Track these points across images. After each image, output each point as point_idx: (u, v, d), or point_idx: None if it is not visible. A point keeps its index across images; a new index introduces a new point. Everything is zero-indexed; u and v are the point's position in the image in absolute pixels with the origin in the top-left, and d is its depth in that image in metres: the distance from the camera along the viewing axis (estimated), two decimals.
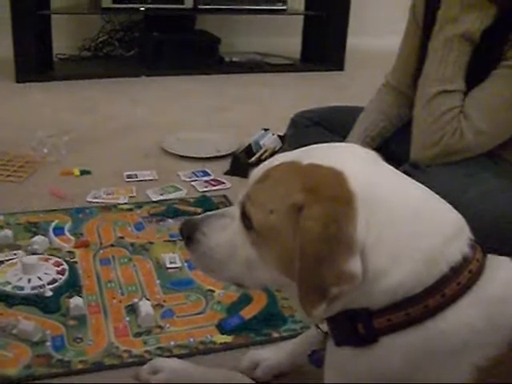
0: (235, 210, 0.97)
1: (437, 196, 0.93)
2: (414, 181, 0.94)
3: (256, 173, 0.96)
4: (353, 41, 4.40)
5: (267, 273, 0.92)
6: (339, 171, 0.87)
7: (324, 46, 4.37)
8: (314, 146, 0.97)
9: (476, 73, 1.54)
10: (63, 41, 4.20)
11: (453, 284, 0.85)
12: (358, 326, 0.88)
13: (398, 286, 0.85)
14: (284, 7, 4.29)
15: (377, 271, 0.85)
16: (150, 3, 3.94)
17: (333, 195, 0.84)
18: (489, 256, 0.92)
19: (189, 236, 0.99)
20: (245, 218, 0.92)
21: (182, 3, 4.01)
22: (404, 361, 0.87)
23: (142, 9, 3.96)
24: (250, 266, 0.94)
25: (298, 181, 0.87)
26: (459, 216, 0.92)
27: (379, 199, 0.86)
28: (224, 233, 0.97)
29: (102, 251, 1.73)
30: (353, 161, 0.91)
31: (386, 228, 0.85)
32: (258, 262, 0.92)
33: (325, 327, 0.99)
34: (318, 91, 3.73)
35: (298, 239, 0.84)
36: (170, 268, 1.65)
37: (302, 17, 4.50)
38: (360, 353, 0.90)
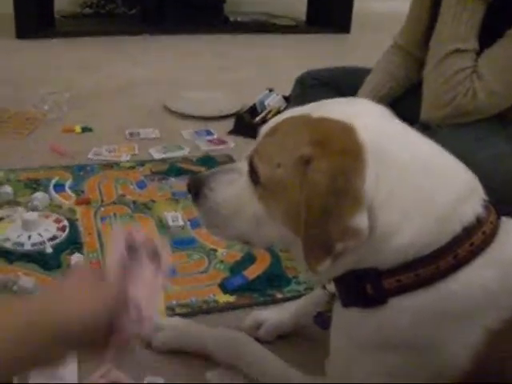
0: (243, 165, 0.94)
1: (449, 154, 0.90)
2: (426, 138, 0.90)
3: (265, 128, 0.94)
4: (359, 3, 4.33)
5: (274, 229, 0.90)
6: (349, 124, 0.84)
7: (330, 7, 4.31)
8: (325, 100, 0.94)
9: (490, 33, 1.50)
10: None
11: (466, 245, 0.83)
12: (367, 287, 0.86)
13: (408, 245, 0.82)
14: None
15: (387, 229, 0.82)
16: None
17: (341, 148, 0.82)
18: (503, 219, 0.90)
19: (196, 192, 0.97)
20: (252, 172, 0.90)
21: None
22: (413, 322, 0.84)
23: None
24: (256, 221, 0.92)
25: (307, 134, 0.85)
26: (472, 175, 0.89)
27: (390, 154, 0.83)
28: (231, 188, 0.95)
29: (103, 209, 1.71)
30: (364, 114, 0.88)
31: (397, 184, 0.82)
32: (265, 218, 0.90)
33: (332, 288, 0.97)
34: (323, 53, 3.67)
35: (305, 192, 0.82)
36: (173, 226, 1.63)
37: None
38: (368, 314, 0.88)
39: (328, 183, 0.80)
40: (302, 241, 0.83)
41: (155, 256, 0.91)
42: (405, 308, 0.84)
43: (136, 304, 0.82)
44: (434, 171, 0.85)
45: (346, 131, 0.83)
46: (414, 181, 0.83)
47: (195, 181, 0.99)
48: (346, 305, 0.91)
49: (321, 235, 0.81)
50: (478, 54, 1.51)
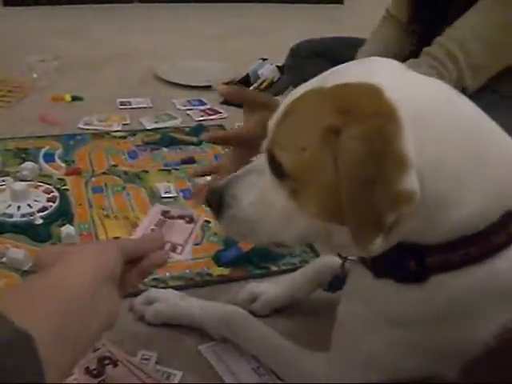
0: (261, 162, 0.86)
1: (490, 119, 0.81)
2: (462, 96, 0.81)
3: (276, 114, 0.84)
4: None
5: (309, 223, 0.81)
6: (372, 85, 0.74)
7: None
8: (333, 68, 0.84)
9: None
10: None
11: None
12: (410, 263, 0.80)
13: (464, 219, 0.76)
14: None
15: (439, 199, 0.75)
16: None
17: (372, 111, 0.72)
18: None
19: (218, 203, 0.89)
20: (274, 166, 0.82)
21: None
22: (451, 299, 0.79)
23: None
24: (288, 220, 0.83)
25: (327, 105, 0.75)
26: None
27: (428, 113, 0.75)
28: (254, 190, 0.86)
29: (94, 179, 1.68)
30: (384, 72, 0.79)
31: (444, 146, 0.74)
32: (298, 214, 0.81)
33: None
34: (317, 24, 3.61)
35: (342, 167, 0.72)
36: (165, 198, 1.60)
37: None
38: (404, 288, 0.82)
39: (366, 149, 0.71)
40: (348, 222, 0.74)
41: (190, 221, 1.02)
42: (446, 286, 0.79)
43: (171, 244, 0.96)
44: (484, 135, 0.78)
45: (371, 92, 0.74)
46: (462, 144, 0.75)
47: (213, 192, 0.90)
48: (379, 275, 0.85)
49: (368, 209, 0.72)
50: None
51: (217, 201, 0.89)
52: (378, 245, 0.73)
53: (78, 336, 0.70)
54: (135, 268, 0.85)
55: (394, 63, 0.84)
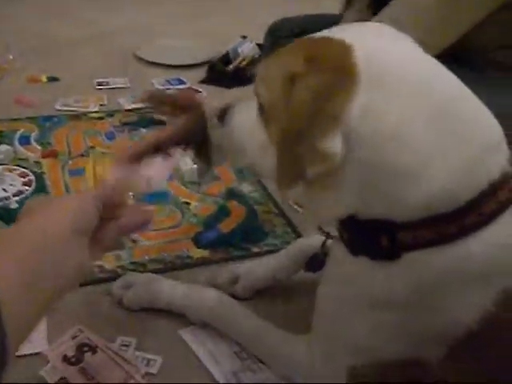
0: None
1: (474, 96, 0.80)
2: (451, 73, 0.81)
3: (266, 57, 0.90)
4: None
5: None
6: (348, 43, 0.77)
7: None
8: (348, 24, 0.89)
9: None
10: None
11: (491, 201, 0.76)
12: (382, 239, 0.80)
13: (430, 197, 0.75)
14: None
15: (400, 172, 0.75)
16: None
17: (332, 66, 0.76)
18: None
19: (220, 115, 0.97)
20: (258, 100, 0.87)
21: None
22: (425, 279, 0.79)
23: None
24: (264, 150, 0.87)
25: (299, 54, 0.79)
26: (498, 124, 0.81)
27: (396, 82, 0.76)
28: (247, 115, 0.91)
29: (71, 161, 1.64)
30: (372, 36, 0.81)
31: (406, 118, 0.74)
32: (268, 146, 0.85)
33: (330, 230, 0.96)
34: (296, 2, 3.58)
35: (286, 111, 0.78)
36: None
37: None
38: (378, 265, 0.82)
39: (309, 102, 0.75)
40: (276, 165, 0.80)
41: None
42: (419, 264, 0.79)
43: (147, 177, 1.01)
44: (460, 112, 0.77)
45: (343, 50, 0.77)
46: (431, 118, 0.75)
47: (223, 109, 0.98)
48: (355, 253, 0.86)
49: (294, 158, 0.78)
50: None
51: (221, 113, 0.97)
52: (296, 192, 0.81)
53: (45, 288, 0.69)
54: (114, 223, 0.83)
55: (397, 34, 0.84)
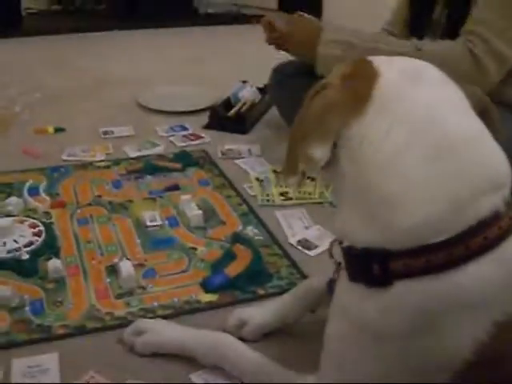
0: None
1: (491, 140, 0.85)
2: (475, 117, 0.87)
3: None
4: None
5: None
6: (378, 71, 0.87)
7: None
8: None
9: None
10: None
11: (479, 237, 0.80)
12: (374, 267, 0.84)
13: (416, 228, 0.80)
14: None
15: (390, 198, 0.81)
16: None
17: (353, 85, 0.86)
18: None
19: None
20: None
21: None
22: (416, 310, 0.82)
23: None
24: None
25: (347, 68, 0.91)
26: (505, 169, 0.85)
27: (405, 116, 0.83)
28: None
29: (79, 211, 1.68)
30: (407, 72, 0.88)
31: (405, 152, 0.81)
32: None
33: (339, 258, 0.98)
34: None
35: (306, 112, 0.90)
36: (151, 226, 1.60)
37: None
38: (372, 293, 0.86)
39: (317, 109, 0.87)
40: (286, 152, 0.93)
41: None
42: (410, 293, 0.82)
43: None
44: (461, 154, 0.81)
45: (370, 74, 0.87)
46: (432, 157, 0.80)
47: None
48: (352, 279, 0.90)
49: (294, 153, 0.90)
50: None
51: None
52: (295, 181, 0.91)
53: None
54: None
55: (435, 71, 0.90)
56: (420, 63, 0.92)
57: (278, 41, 1.89)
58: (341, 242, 0.93)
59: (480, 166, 0.82)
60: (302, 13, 1.93)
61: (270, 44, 1.92)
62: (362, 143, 0.84)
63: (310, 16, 1.92)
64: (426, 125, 0.82)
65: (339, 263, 0.99)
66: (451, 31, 1.68)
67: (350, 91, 0.86)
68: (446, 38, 1.71)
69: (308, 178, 1.66)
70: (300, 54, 1.87)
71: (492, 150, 0.85)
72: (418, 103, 0.84)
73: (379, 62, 0.90)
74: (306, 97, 0.92)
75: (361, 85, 0.86)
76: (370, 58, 0.92)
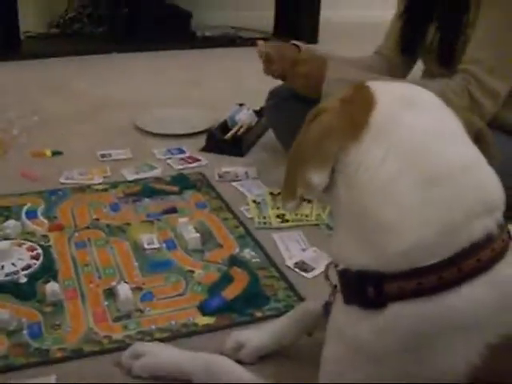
0: None
1: (485, 166, 0.87)
2: (470, 143, 0.88)
3: None
4: (326, 13, 4.35)
5: None
6: (376, 97, 0.89)
7: (297, 18, 4.31)
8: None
9: None
10: (30, 18, 4.08)
11: (471, 260, 0.82)
12: (368, 289, 0.86)
13: (409, 251, 0.82)
14: None
15: (385, 225, 0.83)
16: None
17: (350, 110, 0.88)
18: None
19: None
20: None
21: None
22: (410, 332, 0.84)
23: None
24: None
25: (346, 92, 0.93)
26: (498, 193, 0.87)
27: (401, 144, 0.85)
28: None
29: (77, 234, 1.69)
30: (406, 98, 0.90)
31: (400, 179, 0.83)
32: None
33: (335, 281, 0.99)
34: None
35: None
36: (148, 249, 1.61)
37: None
38: (367, 316, 0.87)
39: (314, 133, 0.89)
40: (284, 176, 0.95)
41: None
42: (404, 315, 0.84)
43: None
44: (455, 180, 0.83)
45: (368, 100, 0.89)
46: (425, 184, 0.82)
47: None
48: (347, 301, 0.91)
49: (293, 176, 0.91)
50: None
51: None
52: (293, 205, 0.93)
53: None
54: None
55: (432, 98, 0.93)
56: (417, 89, 0.94)
57: (277, 73, 1.92)
58: (336, 265, 0.94)
59: (473, 190, 0.84)
60: (295, 41, 1.97)
61: (267, 75, 1.95)
62: (358, 169, 0.85)
63: (303, 43, 1.98)
64: (421, 151, 0.84)
65: (335, 286, 1.00)
66: (445, 55, 1.75)
67: (347, 117, 0.88)
68: (441, 61, 1.77)
69: (305, 200, 1.71)
70: (303, 90, 1.87)
71: (485, 174, 0.87)
72: (414, 130, 0.86)
73: (377, 87, 0.92)
74: (304, 121, 0.94)
75: (358, 111, 0.88)
76: (369, 83, 0.94)
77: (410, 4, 1.88)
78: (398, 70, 1.99)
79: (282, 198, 0.95)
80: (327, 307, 1.07)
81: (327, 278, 1.06)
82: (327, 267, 1.07)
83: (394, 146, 0.84)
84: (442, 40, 1.74)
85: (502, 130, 1.69)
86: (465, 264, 0.81)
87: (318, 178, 0.88)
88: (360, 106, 0.89)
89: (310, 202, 1.81)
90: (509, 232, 0.88)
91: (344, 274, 0.91)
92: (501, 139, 1.44)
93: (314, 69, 1.80)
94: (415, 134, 0.85)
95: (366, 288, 0.86)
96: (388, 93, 0.91)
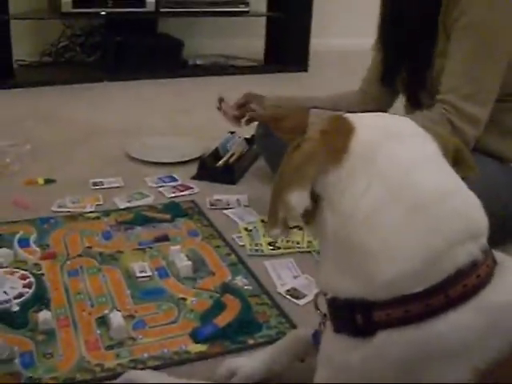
0: None
1: (467, 192, 0.89)
2: (452, 172, 0.91)
3: None
4: (316, 41, 4.41)
5: None
6: (355, 127, 0.91)
7: (287, 47, 4.37)
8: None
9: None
10: (23, 47, 4.11)
11: (458, 286, 0.83)
12: (357, 317, 0.87)
13: (394, 280, 0.83)
14: (246, 9, 4.27)
15: (368, 254, 0.85)
16: (110, 7, 3.89)
17: (330, 140, 0.91)
18: (499, 262, 0.89)
19: None
20: None
21: (144, 6, 3.97)
22: (399, 359, 0.85)
23: (103, 13, 3.91)
24: None
25: (325, 125, 0.95)
26: (480, 218, 0.88)
27: (383, 173, 0.87)
28: None
29: (69, 262, 1.69)
30: (384, 128, 0.93)
31: (386, 206, 0.85)
32: None
33: (324, 309, 0.99)
34: (282, 92, 3.67)
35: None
36: (140, 277, 1.62)
37: (264, 18, 4.49)
38: (356, 343, 0.88)
39: (294, 160, 0.91)
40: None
41: None
42: (393, 342, 0.85)
43: None
44: (437, 208, 0.85)
45: (347, 130, 0.91)
46: (409, 212, 0.84)
47: None
48: (337, 330, 0.92)
49: (275, 203, 0.93)
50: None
51: None
52: (276, 233, 0.95)
53: None
54: None
55: (410, 126, 0.95)
56: (395, 118, 0.98)
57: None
58: (325, 294, 0.95)
59: (456, 217, 0.86)
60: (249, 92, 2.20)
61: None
62: (342, 196, 0.87)
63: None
64: (403, 179, 0.86)
65: (325, 315, 1.01)
66: (414, 86, 1.86)
67: (327, 143, 0.91)
68: (408, 95, 1.91)
69: (296, 227, 1.73)
70: (289, 139, 1.89)
71: (467, 201, 0.89)
72: (394, 157, 0.88)
73: (354, 118, 0.95)
74: (286, 152, 0.96)
75: (338, 138, 0.91)
76: (346, 114, 0.97)
77: (384, 39, 1.94)
78: (381, 102, 2.06)
79: (267, 225, 0.96)
80: (316, 336, 1.09)
81: (317, 307, 1.07)
82: (316, 296, 1.08)
83: (376, 173, 0.87)
84: (410, 73, 1.84)
85: (485, 154, 1.74)
86: (451, 291, 0.83)
87: (296, 197, 0.89)
88: (339, 134, 0.91)
89: (301, 229, 1.82)
90: (493, 257, 0.89)
91: (332, 303, 0.93)
92: (483, 162, 1.49)
93: (297, 118, 1.86)
94: (396, 161, 0.88)
95: (354, 316, 0.87)
96: (365, 122, 0.94)
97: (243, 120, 2.17)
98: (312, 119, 1.80)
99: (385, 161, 0.87)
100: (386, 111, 2.00)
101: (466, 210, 0.87)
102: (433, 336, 0.83)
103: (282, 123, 1.88)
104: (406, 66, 1.84)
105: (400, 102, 2.03)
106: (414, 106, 1.86)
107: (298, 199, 0.89)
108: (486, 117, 1.69)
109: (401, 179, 0.86)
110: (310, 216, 0.94)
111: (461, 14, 1.65)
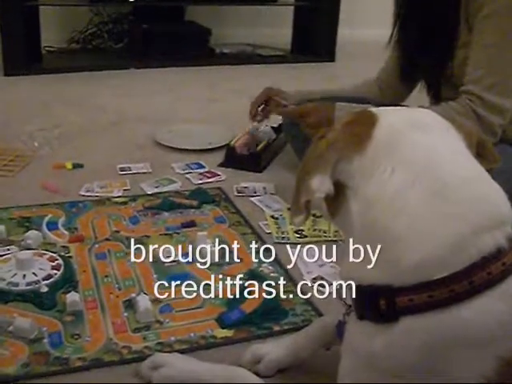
0: None
1: (490, 182, 0.89)
2: (475, 162, 0.91)
3: None
4: (343, 32, 4.39)
5: None
6: (377, 117, 0.93)
7: (315, 36, 4.36)
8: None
9: None
10: (52, 33, 4.15)
11: (483, 273, 0.82)
12: (380, 303, 0.87)
13: (419, 265, 0.83)
14: None
15: (394, 238, 0.85)
16: None
17: (353, 130, 0.92)
18: None
19: None
20: None
21: None
22: (422, 345, 0.84)
23: (131, 0, 3.92)
24: None
25: (349, 117, 0.97)
26: (505, 206, 0.88)
27: (408, 158, 0.87)
28: None
29: (97, 245, 1.70)
30: (402, 118, 0.94)
31: (409, 192, 0.85)
32: None
33: (349, 300, 0.99)
34: (309, 82, 3.68)
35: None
36: (167, 262, 1.62)
37: (292, 7, 4.48)
38: (379, 329, 0.88)
39: (319, 148, 0.93)
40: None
41: None
42: (416, 328, 0.85)
43: None
44: (463, 194, 0.86)
45: (370, 120, 0.93)
46: (434, 198, 0.85)
47: None
48: (360, 317, 0.93)
49: (298, 190, 0.94)
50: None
51: None
52: (300, 220, 0.95)
53: None
54: None
55: (432, 117, 0.95)
56: (417, 110, 0.99)
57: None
58: (348, 283, 0.95)
59: (481, 204, 0.86)
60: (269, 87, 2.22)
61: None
62: (367, 182, 0.88)
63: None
64: (427, 165, 0.86)
65: (349, 305, 1.01)
66: (436, 78, 1.88)
67: (350, 132, 0.92)
68: (431, 84, 1.91)
69: (314, 215, 1.74)
70: (316, 133, 1.92)
71: (492, 188, 0.89)
72: (418, 145, 0.88)
73: (379, 111, 0.96)
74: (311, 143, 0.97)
75: (361, 127, 0.92)
76: (370, 108, 0.98)
77: (402, 33, 1.95)
78: (398, 94, 2.10)
79: (290, 212, 0.97)
80: (340, 327, 1.09)
81: (340, 297, 1.07)
82: (340, 287, 1.08)
83: (400, 159, 0.87)
84: (431, 64, 1.85)
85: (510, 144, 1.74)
86: (476, 277, 0.82)
87: (318, 181, 0.90)
88: (363, 124, 0.92)
89: None
90: None
91: (356, 290, 0.93)
92: (507, 152, 1.49)
93: (323, 113, 1.87)
94: (420, 149, 0.88)
95: (377, 302, 0.87)
96: (389, 113, 0.95)
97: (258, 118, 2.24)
98: (338, 113, 1.80)
99: (408, 148, 0.88)
100: (402, 103, 2.01)
101: (490, 198, 0.87)
102: (457, 323, 0.82)
103: (309, 118, 1.89)
104: (428, 57, 1.84)
105: (425, 95, 2.02)
106: (436, 98, 1.86)
107: (319, 183, 0.90)
108: (511, 106, 1.69)
109: (425, 165, 0.86)
110: (335, 208, 0.94)
111: (483, 3, 1.65)
